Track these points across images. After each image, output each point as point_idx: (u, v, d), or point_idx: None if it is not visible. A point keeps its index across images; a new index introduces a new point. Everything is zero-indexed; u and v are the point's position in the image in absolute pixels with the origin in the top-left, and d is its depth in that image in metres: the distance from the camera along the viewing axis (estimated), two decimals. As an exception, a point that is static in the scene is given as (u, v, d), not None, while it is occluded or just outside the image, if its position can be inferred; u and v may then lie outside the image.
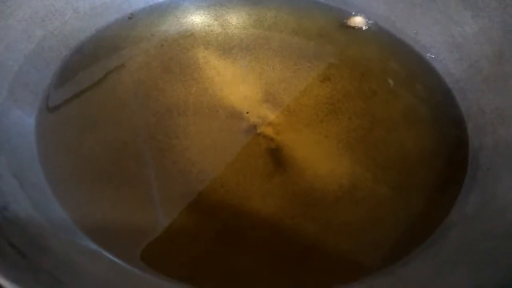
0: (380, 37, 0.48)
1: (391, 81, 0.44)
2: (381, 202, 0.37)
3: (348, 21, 0.49)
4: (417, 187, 0.38)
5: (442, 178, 0.38)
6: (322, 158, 0.39)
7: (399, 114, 0.42)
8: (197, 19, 0.49)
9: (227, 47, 0.47)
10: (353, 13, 0.49)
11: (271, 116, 0.41)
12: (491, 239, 0.32)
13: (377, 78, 0.45)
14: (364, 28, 0.48)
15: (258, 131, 0.40)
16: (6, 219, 0.31)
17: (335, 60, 0.47)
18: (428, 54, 0.46)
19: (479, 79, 0.42)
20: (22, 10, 0.42)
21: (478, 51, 0.42)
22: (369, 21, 0.49)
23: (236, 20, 0.49)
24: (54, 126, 0.39)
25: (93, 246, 0.33)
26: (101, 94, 0.42)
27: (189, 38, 0.47)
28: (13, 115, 0.38)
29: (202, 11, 0.50)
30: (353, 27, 0.49)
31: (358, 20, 0.49)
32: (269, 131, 0.40)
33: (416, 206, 0.37)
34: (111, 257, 0.32)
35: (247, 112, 0.41)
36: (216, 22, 0.49)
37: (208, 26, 0.49)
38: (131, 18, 0.48)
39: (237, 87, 0.43)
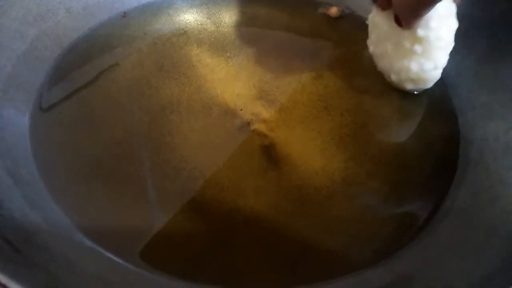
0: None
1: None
2: (374, 196, 0.37)
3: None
4: (409, 182, 0.38)
5: (434, 172, 0.39)
6: (315, 154, 0.39)
7: (391, 110, 0.43)
8: (190, 17, 0.50)
9: (220, 45, 0.47)
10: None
11: (265, 113, 0.41)
12: (480, 231, 0.33)
13: (368, 75, 0.45)
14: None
15: (252, 128, 0.40)
16: (1, 216, 0.31)
17: (327, 57, 0.47)
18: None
19: (470, 74, 0.43)
20: (15, 9, 0.42)
21: (468, 47, 0.43)
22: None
23: (229, 18, 0.50)
24: (48, 125, 0.40)
25: (87, 243, 0.33)
26: (95, 93, 0.42)
27: (182, 36, 0.48)
28: (7, 114, 0.38)
29: (195, 9, 0.50)
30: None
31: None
32: (262, 128, 0.40)
33: (408, 200, 0.37)
34: (105, 253, 0.32)
35: (241, 110, 0.41)
36: (209, 20, 0.49)
37: (201, 24, 0.49)
38: (124, 17, 0.48)
39: (230, 84, 0.44)
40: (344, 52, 0.47)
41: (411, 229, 0.35)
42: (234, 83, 0.44)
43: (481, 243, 0.32)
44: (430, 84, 0.42)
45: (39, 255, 0.29)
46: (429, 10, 0.36)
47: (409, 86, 0.42)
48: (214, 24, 0.49)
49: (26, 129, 0.39)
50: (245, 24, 0.49)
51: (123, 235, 0.34)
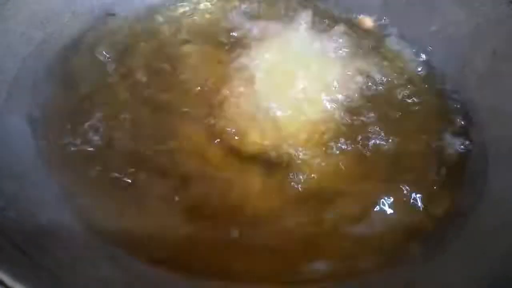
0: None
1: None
2: (379, 200, 0.37)
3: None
4: (412, 186, 0.37)
5: (437, 175, 0.38)
6: (320, 156, 0.39)
7: (393, 110, 0.43)
8: (192, 18, 0.50)
9: (222, 43, 0.47)
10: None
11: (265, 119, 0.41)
12: (482, 234, 0.33)
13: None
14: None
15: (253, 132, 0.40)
16: (7, 219, 0.31)
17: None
18: (423, 54, 0.46)
19: (474, 77, 0.43)
20: (21, 13, 0.42)
21: (472, 49, 0.43)
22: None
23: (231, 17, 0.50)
24: (54, 128, 0.40)
25: (92, 246, 0.33)
26: (101, 95, 0.42)
27: (184, 36, 0.48)
28: (12, 117, 0.39)
29: (195, 11, 0.50)
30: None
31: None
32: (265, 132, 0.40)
33: (413, 204, 0.37)
34: (109, 256, 0.32)
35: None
36: (208, 20, 0.49)
37: (200, 24, 0.49)
38: (114, 15, 0.48)
39: (230, 85, 0.43)
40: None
41: (413, 233, 0.35)
42: (233, 83, 0.43)
43: (482, 245, 0.32)
44: None
45: (44, 258, 0.29)
46: None
47: None
48: (215, 25, 0.49)
49: (31, 132, 0.39)
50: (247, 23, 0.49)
51: (128, 238, 0.34)
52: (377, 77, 0.44)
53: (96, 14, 0.47)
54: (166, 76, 0.44)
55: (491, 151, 0.38)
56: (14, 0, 0.41)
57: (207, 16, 0.50)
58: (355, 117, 0.41)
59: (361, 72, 0.44)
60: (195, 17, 0.50)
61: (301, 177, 0.37)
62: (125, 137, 0.39)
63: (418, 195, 0.37)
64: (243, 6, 0.51)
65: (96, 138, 0.39)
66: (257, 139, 0.40)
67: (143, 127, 0.40)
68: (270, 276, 0.33)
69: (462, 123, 0.41)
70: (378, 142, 0.40)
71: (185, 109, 0.41)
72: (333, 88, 0.43)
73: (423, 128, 0.42)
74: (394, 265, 0.33)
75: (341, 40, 0.46)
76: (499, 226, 0.33)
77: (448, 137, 0.41)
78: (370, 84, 0.44)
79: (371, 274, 0.33)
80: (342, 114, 0.41)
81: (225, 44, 0.47)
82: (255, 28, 0.48)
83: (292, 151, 0.39)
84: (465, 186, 0.37)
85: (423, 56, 0.46)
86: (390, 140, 0.40)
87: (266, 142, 0.39)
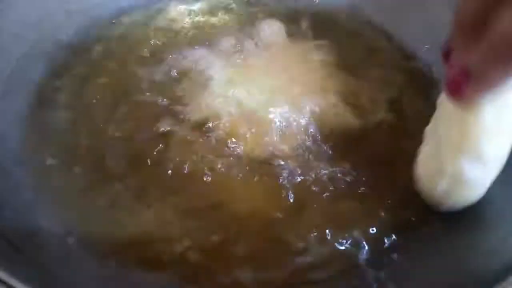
0: (368, 38, 0.49)
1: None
2: (364, 197, 0.37)
3: None
4: (399, 182, 0.38)
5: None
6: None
7: (385, 107, 0.43)
8: (186, 17, 0.50)
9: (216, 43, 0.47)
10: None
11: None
12: (471, 234, 0.33)
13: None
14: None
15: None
16: (3, 217, 0.31)
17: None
18: (417, 55, 0.47)
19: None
20: (14, 13, 0.42)
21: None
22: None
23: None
24: (47, 129, 0.40)
25: (84, 244, 0.33)
26: (94, 95, 0.42)
27: (178, 35, 0.48)
28: (6, 118, 0.39)
29: (190, 9, 0.51)
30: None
31: None
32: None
33: (399, 201, 0.37)
34: (102, 254, 0.32)
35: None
36: (203, 19, 0.50)
37: (195, 22, 0.50)
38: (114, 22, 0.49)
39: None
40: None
41: (400, 229, 0.35)
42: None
43: (470, 245, 0.32)
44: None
45: (38, 255, 0.30)
46: None
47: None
48: (210, 24, 0.50)
49: (26, 133, 0.39)
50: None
51: (119, 238, 0.34)
52: (370, 77, 0.45)
53: (90, 14, 0.47)
54: (164, 77, 0.44)
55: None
56: (7, 0, 0.41)
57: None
58: (353, 118, 0.42)
59: (353, 74, 0.45)
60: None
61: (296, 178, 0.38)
62: (123, 135, 0.40)
63: (404, 194, 0.37)
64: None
65: (90, 141, 0.39)
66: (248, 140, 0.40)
67: (139, 127, 0.40)
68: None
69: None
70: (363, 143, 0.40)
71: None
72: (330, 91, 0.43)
73: (415, 127, 0.42)
74: (384, 262, 0.33)
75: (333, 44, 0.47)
76: (483, 228, 0.33)
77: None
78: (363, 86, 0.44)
79: (364, 268, 0.33)
80: (337, 115, 0.42)
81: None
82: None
83: (281, 153, 0.39)
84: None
85: (416, 56, 0.47)
86: (379, 139, 0.41)
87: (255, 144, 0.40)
